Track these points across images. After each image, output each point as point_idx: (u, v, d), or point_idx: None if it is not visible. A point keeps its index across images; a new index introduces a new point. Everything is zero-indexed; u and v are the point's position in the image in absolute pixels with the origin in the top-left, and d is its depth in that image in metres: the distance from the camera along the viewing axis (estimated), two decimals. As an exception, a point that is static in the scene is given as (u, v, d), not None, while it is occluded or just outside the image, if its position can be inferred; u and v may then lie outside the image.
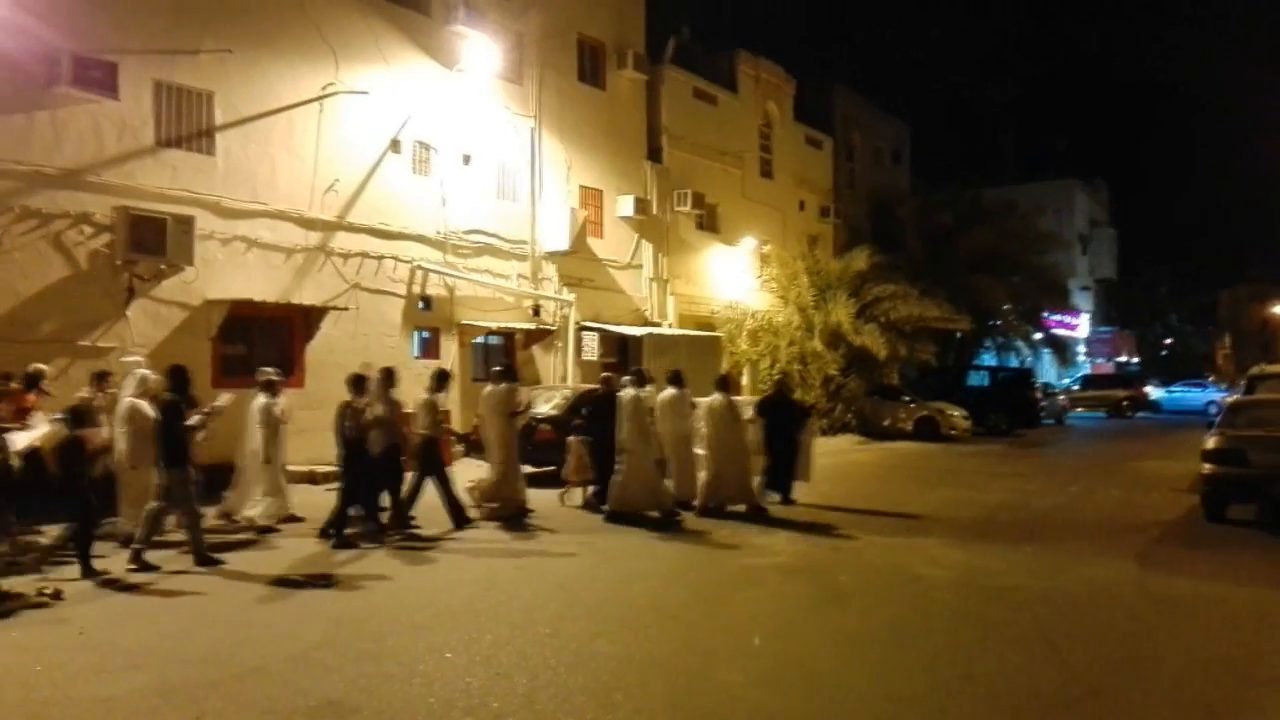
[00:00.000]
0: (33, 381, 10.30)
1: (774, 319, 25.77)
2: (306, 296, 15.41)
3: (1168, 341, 62.90)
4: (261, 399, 11.06)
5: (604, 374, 13.85)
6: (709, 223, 25.73)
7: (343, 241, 16.16)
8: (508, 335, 19.49)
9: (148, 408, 9.58)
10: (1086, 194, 52.72)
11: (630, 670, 5.98)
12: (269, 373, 11.36)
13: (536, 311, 19.88)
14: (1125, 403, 37.09)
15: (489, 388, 12.26)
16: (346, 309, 15.99)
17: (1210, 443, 11.60)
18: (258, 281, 14.76)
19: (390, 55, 16.98)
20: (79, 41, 12.50)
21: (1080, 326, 48.78)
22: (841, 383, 24.99)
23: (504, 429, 11.84)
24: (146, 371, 10.28)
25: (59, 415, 9.22)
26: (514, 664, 6.05)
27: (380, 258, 16.76)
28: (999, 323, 33.09)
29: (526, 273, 19.81)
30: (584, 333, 20.71)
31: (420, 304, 17.47)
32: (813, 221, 30.61)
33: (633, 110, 23.12)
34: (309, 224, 15.62)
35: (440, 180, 17.86)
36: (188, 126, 14.04)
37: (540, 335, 19.84)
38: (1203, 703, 5.51)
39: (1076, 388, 39.26)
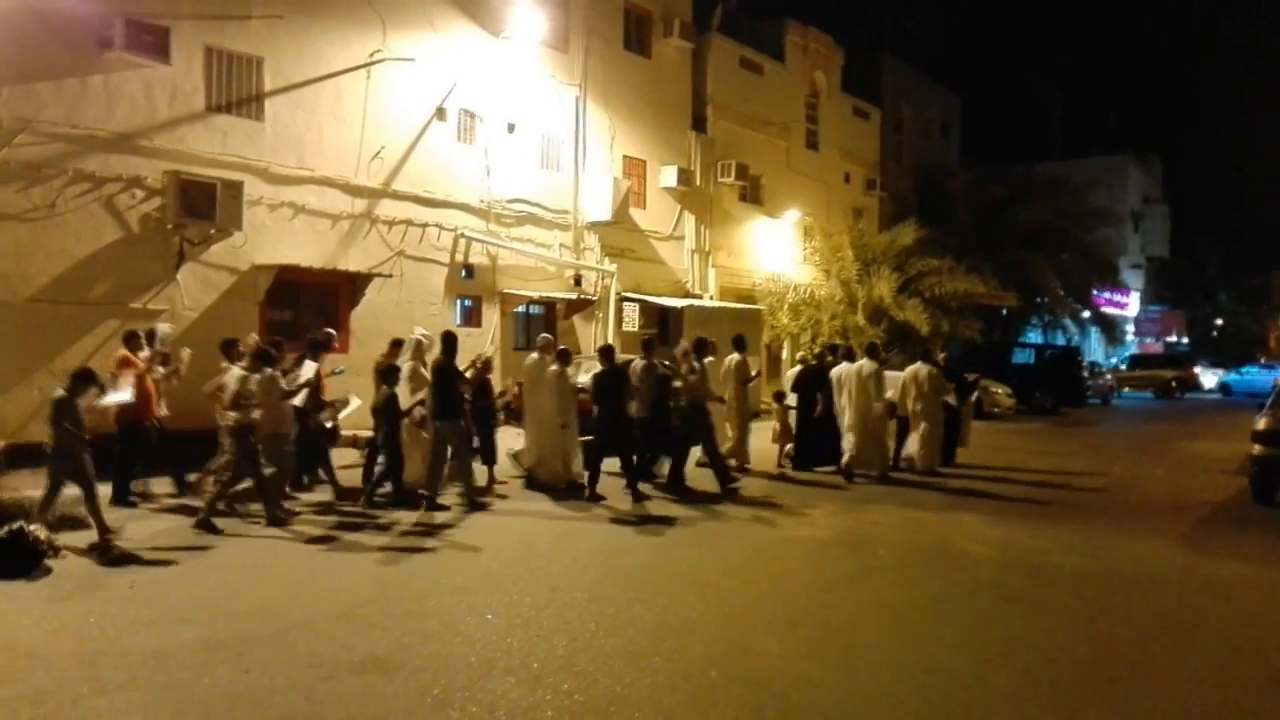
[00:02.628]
0: (148, 340, 10.59)
1: (816, 293, 25.59)
2: (352, 263, 15.56)
3: (1218, 322, 61.53)
4: (555, 367, 11.58)
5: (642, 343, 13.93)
6: (752, 194, 25.52)
7: (388, 209, 16.26)
8: (549, 305, 19.55)
9: (425, 370, 10.72)
10: (1140, 169, 51.60)
11: (668, 636, 6.02)
12: (549, 339, 12.39)
13: (578, 281, 19.91)
14: (1174, 383, 36.42)
15: (532, 356, 12.34)
16: (391, 276, 16.12)
17: (1260, 424, 11.37)
18: (304, 247, 14.93)
19: (437, 22, 16.98)
20: (132, 6, 12.64)
21: (1130, 305, 47.94)
22: (884, 358, 24.75)
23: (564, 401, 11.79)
24: (424, 337, 11.30)
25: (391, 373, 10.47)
26: (553, 626, 6.12)
27: (424, 226, 16.85)
28: (1046, 300, 32.59)
29: (569, 242, 19.82)
30: (625, 303, 20.71)
31: (463, 272, 17.57)
32: (858, 194, 30.27)
33: (678, 79, 22.95)
34: (355, 191, 15.73)
35: (485, 149, 17.88)
36: (238, 92, 14.17)
37: (581, 305, 19.87)
38: (1246, 685, 5.44)
39: (1124, 367, 38.60)
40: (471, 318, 17.89)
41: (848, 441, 12.71)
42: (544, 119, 19.20)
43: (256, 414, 9.27)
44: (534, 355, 12.24)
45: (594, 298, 20.13)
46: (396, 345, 11.64)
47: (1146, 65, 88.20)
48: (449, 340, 10.64)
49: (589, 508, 10.43)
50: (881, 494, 11.69)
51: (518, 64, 18.47)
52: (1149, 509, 11.08)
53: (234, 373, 9.63)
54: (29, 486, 10.00)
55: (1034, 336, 33.78)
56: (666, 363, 12.33)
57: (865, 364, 12.90)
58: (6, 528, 7.35)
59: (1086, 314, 35.67)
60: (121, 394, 9.64)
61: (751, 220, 25.48)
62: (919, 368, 13.57)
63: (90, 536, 8.11)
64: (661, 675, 5.33)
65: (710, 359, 12.62)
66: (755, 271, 25.36)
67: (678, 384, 11.92)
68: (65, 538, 8.01)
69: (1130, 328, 48.65)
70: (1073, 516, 10.48)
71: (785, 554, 8.61)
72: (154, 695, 4.94)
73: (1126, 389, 35.79)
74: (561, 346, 12.29)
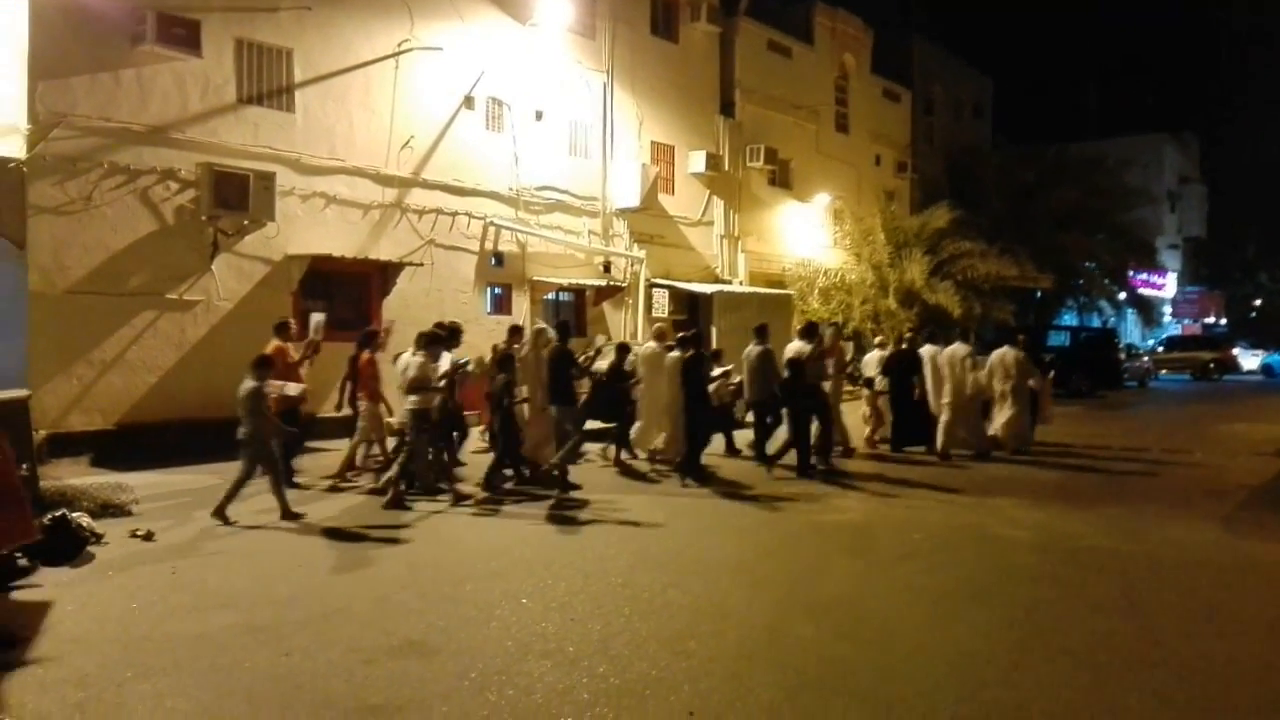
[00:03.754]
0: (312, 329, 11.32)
1: (847, 277, 25.42)
2: (383, 252, 15.65)
3: (1257, 303, 60.41)
4: (676, 353, 12.03)
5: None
6: (782, 179, 25.38)
7: (418, 198, 16.34)
8: (578, 292, 19.57)
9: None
10: (1176, 149, 50.73)
11: (702, 620, 6.02)
12: (663, 328, 13.18)
13: (607, 268, 19.91)
14: (1212, 365, 35.84)
15: (650, 344, 12.95)
16: (421, 264, 16.20)
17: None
18: (336, 237, 15.03)
19: (464, 10, 17.00)
20: (163, 0, 12.76)
21: (1167, 286, 47.22)
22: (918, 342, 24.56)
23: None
24: (545, 327, 11.90)
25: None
26: (588, 611, 6.15)
27: (454, 214, 16.92)
28: (1082, 282, 32.17)
29: (597, 229, 19.82)
30: (654, 290, 20.69)
31: (493, 260, 17.62)
32: (889, 177, 30.01)
33: (706, 64, 22.83)
34: (385, 180, 15.81)
35: (513, 136, 17.90)
36: (268, 83, 14.27)
37: (611, 292, 19.87)
38: (1293, 668, 5.36)
39: (1161, 349, 38.06)
40: (502, 305, 17.95)
41: (943, 422, 13.23)
42: (572, 106, 19.18)
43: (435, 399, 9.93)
44: (651, 344, 12.92)
45: (623, 284, 20.13)
46: (516, 332, 11.92)
47: (1184, 43, 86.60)
48: (564, 329, 11.29)
49: (624, 494, 10.45)
50: (908, 476, 11.61)
51: (545, 51, 18.46)
52: (1188, 492, 10.92)
53: (414, 359, 10.00)
54: (70, 475, 10.22)
55: (1069, 319, 33.36)
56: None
57: (959, 347, 13.56)
58: (50, 515, 7.48)
59: (1123, 295, 35.20)
60: (297, 384, 10.31)
61: (781, 205, 25.34)
62: (1006, 351, 14.03)
63: (131, 525, 8.26)
64: (697, 659, 5.33)
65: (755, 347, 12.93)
66: (785, 256, 25.24)
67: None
68: (106, 525, 8.16)
69: (1167, 309, 47.92)
70: (1110, 500, 10.36)
71: (820, 539, 8.58)
72: (197, 678, 5.02)
73: (1164, 371, 35.27)
74: (681, 334, 12.68)
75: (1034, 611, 6.33)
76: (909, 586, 6.95)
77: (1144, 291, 39.68)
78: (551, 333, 11.31)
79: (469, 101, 17.05)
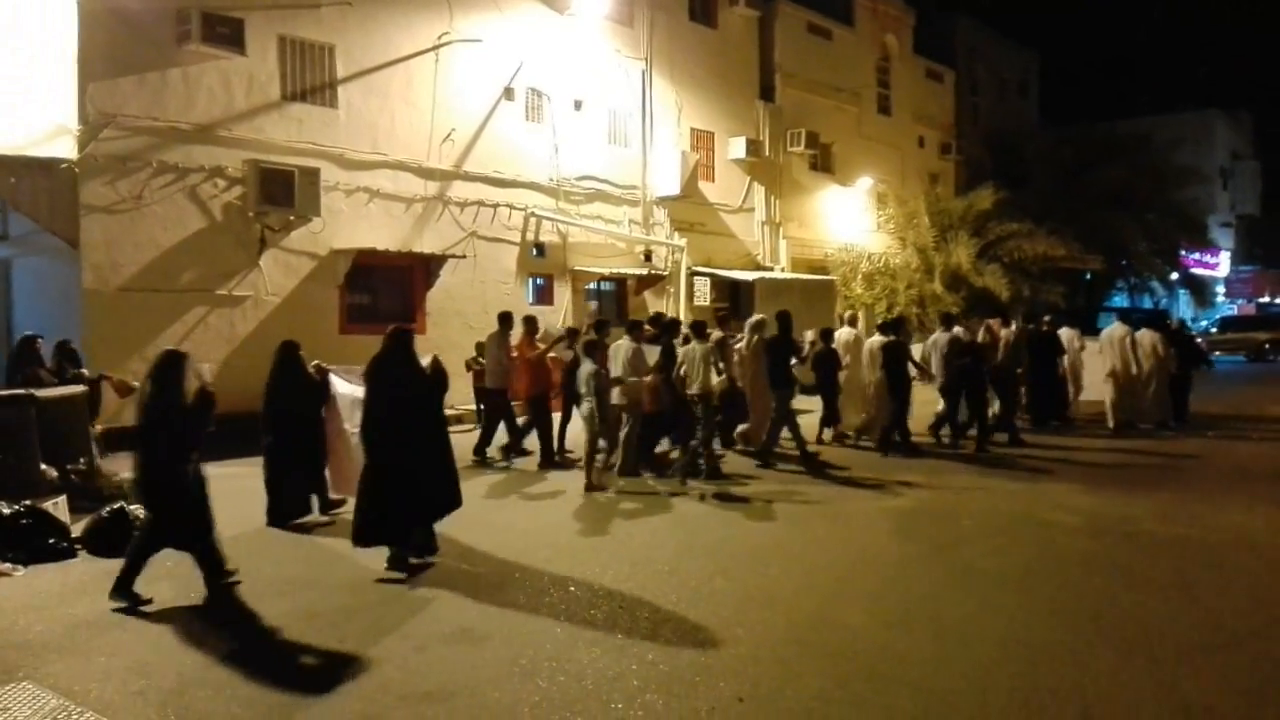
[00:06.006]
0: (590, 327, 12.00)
1: (891, 261, 25.15)
2: (426, 245, 15.78)
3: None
4: (878, 338, 12.91)
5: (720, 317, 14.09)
6: (823, 163, 25.15)
7: (459, 190, 16.44)
8: (620, 281, 19.58)
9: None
10: (1228, 125, 49.40)
11: (750, 607, 6.01)
12: (855, 313, 14.01)
13: (648, 257, 19.89)
14: (1267, 345, 34.96)
15: (847, 329, 13.80)
16: (464, 257, 16.31)
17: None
18: (380, 231, 15.18)
19: (503, 1, 17.04)
20: None
21: (1220, 265, 46.11)
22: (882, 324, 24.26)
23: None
24: (763, 317, 12.26)
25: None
26: (636, 598, 6.16)
27: (495, 206, 17.01)
28: (1132, 262, 31.52)
29: (638, 218, 19.80)
30: (695, 278, 20.64)
31: (534, 251, 17.69)
32: (933, 159, 29.63)
33: (745, 48, 22.68)
34: (427, 174, 15.93)
35: (552, 127, 17.94)
36: (311, 80, 14.43)
37: (652, 281, 19.86)
38: (1359, 654, 5.22)
39: (1214, 330, 37.17)
40: (544, 295, 18.01)
41: (1110, 401, 14.09)
42: (610, 95, 19.16)
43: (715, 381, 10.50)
44: (847, 328, 13.92)
45: (664, 273, 20.10)
46: (602, 326, 11.88)
47: (1236, 17, 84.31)
48: (784, 318, 11.84)
49: (672, 483, 10.45)
50: (955, 461, 11.48)
51: (583, 40, 18.45)
52: (1244, 475, 10.67)
53: (628, 345, 10.69)
54: (126, 469, 10.41)
55: (1120, 300, 32.72)
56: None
57: (1118, 327, 14.50)
58: (109, 508, 7.65)
59: (1174, 276, 34.44)
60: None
61: (822, 189, 25.13)
62: (1145, 333, 14.58)
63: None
64: (745, 646, 5.32)
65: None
66: (827, 241, 25.03)
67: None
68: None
69: (1220, 289, 46.77)
70: (1165, 484, 10.16)
71: (868, 525, 8.51)
72: (254, 665, 5.11)
73: (1217, 352, 34.45)
74: (881, 322, 13.60)
75: (1088, 597, 6.23)
76: (960, 572, 6.87)
77: (1196, 271, 38.79)
78: (770, 322, 11.98)
79: (509, 93, 17.11)
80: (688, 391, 10.46)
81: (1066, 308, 26.49)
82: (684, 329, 11.95)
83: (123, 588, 6.08)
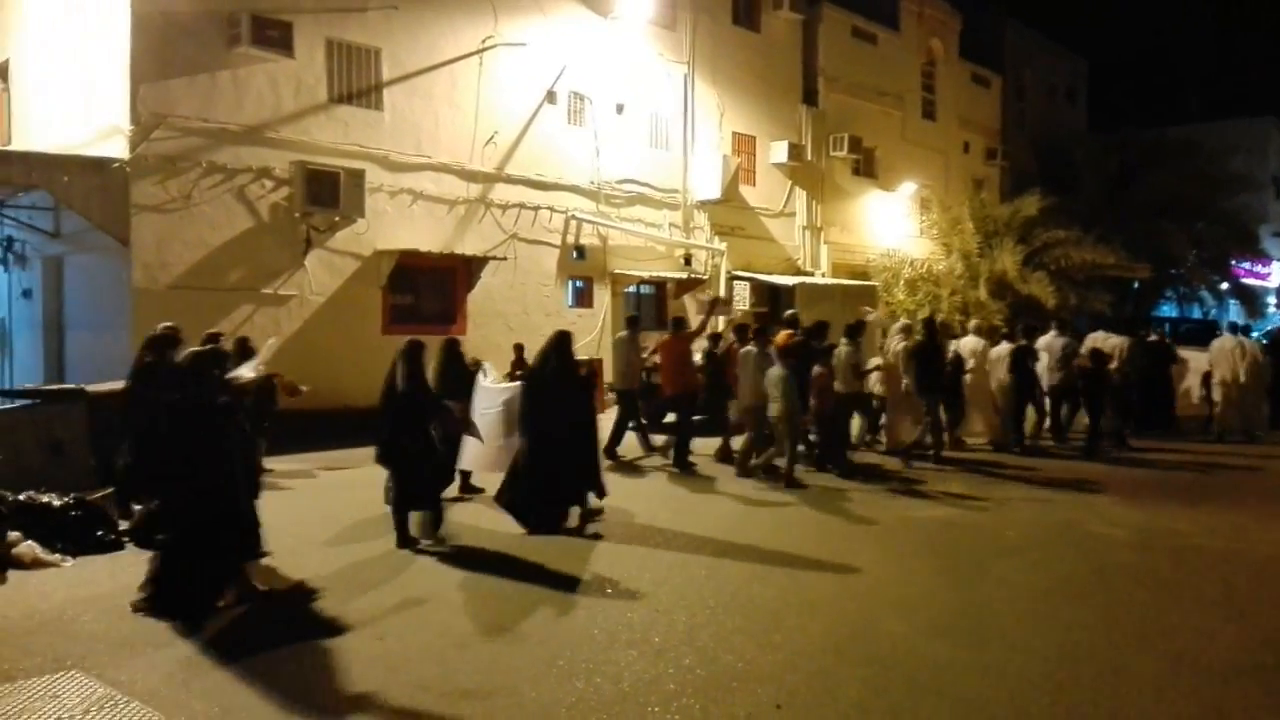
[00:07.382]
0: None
1: (934, 267, 24.88)
2: (468, 246, 15.88)
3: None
4: (1005, 345, 13.54)
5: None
6: (866, 168, 24.92)
7: (501, 193, 16.53)
8: (659, 284, 19.57)
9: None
10: (1283, 133, 48.31)
11: (788, 614, 5.97)
12: (909, 323, 13.45)
13: (688, 261, 19.85)
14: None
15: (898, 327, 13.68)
16: (505, 259, 16.39)
17: None
18: (423, 232, 15.31)
19: (547, 5, 17.12)
20: (257, 2, 13.15)
21: (1272, 275, 45.07)
22: (1006, 333, 23.93)
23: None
24: (910, 323, 12.89)
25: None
26: (672, 602, 6.15)
27: (536, 208, 17.07)
28: (1181, 271, 30.92)
29: (678, 222, 19.77)
30: (735, 282, 20.56)
31: (574, 254, 17.73)
32: (978, 164, 29.27)
33: (788, 52, 22.57)
34: (470, 176, 16.04)
35: (594, 130, 17.98)
36: (357, 83, 14.59)
37: (691, 284, 19.79)
38: None
39: (1265, 341, 36.35)
40: (583, 298, 18.05)
41: (1218, 413, 14.59)
42: (652, 98, 19.17)
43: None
44: (972, 337, 14.13)
45: (704, 277, 20.04)
46: (791, 324, 12.26)
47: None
48: (930, 324, 12.40)
49: (715, 485, 10.42)
50: (998, 471, 11.33)
51: (626, 44, 18.48)
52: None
53: (846, 348, 11.50)
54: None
55: (1168, 310, 32.11)
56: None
57: (1228, 338, 15.14)
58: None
59: (1224, 285, 33.69)
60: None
61: (865, 194, 24.92)
62: (1242, 340, 15.16)
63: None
64: (783, 653, 5.29)
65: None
66: (869, 247, 24.80)
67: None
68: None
69: (1272, 299, 45.73)
70: (1213, 498, 9.96)
71: (909, 534, 8.42)
72: (294, 661, 5.17)
73: (1270, 364, 33.69)
74: (1005, 331, 13.94)
75: (1133, 611, 6.12)
76: (1002, 583, 6.79)
77: (1247, 281, 37.91)
78: (916, 327, 12.48)
79: (551, 96, 17.18)
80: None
81: (1112, 316, 26.08)
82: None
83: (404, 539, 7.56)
